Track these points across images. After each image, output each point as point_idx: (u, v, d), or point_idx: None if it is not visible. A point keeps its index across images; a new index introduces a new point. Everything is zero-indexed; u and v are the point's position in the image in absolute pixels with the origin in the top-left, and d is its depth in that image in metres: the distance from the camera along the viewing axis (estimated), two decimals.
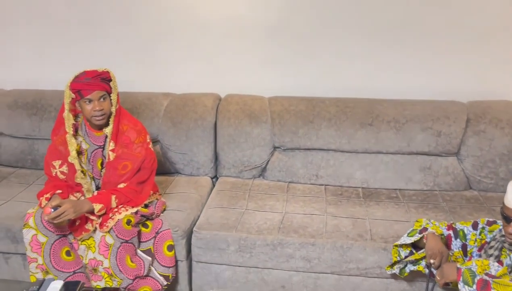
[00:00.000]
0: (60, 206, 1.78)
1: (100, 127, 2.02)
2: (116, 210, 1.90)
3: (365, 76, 2.64)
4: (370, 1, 2.49)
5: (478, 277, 1.49)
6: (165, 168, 2.61)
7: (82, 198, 2.00)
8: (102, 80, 1.92)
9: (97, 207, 1.86)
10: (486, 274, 1.51)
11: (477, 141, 2.36)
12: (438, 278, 1.64)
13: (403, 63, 2.58)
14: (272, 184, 2.52)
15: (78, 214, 1.83)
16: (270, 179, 2.56)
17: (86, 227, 1.88)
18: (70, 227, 1.91)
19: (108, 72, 1.96)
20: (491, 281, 1.46)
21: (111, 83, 1.96)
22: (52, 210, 1.77)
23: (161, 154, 2.60)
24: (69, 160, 1.98)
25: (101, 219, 1.88)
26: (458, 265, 1.57)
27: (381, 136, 2.41)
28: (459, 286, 1.52)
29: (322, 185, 2.49)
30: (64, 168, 2.02)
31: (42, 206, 1.89)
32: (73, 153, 1.97)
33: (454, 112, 2.39)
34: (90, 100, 1.90)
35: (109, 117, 1.99)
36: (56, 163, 2.03)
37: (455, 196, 2.36)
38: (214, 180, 2.64)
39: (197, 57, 2.74)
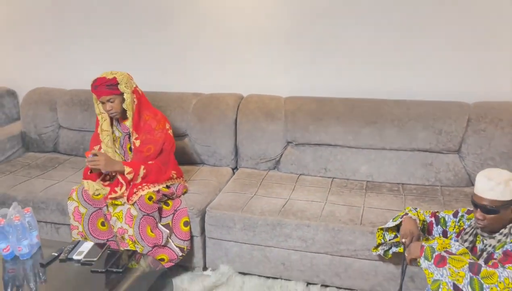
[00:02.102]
0: (97, 155, 2.24)
1: (124, 118, 2.41)
2: (140, 187, 2.27)
3: (377, 78, 2.82)
4: (377, 7, 2.69)
5: (436, 253, 1.66)
6: (192, 159, 2.97)
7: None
8: (108, 86, 2.28)
9: (127, 169, 2.26)
10: (446, 251, 1.68)
11: (477, 140, 2.47)
12: (406, 254, 1.82)
13: (415, 66, 2.73)
14: (284, 175, 2.77)
15: (108, 167, 2.26)
16: (283, 171, 2.82)
17: (116, 189, 2.27)
18: (104, 183, 2.36)
19: (115, 78, 2.29)
20: (447, 257, 1.63)
21: (119, 86, 2.29)
22: (91, 155, 2.24)
23: (189, 146, 2.95)
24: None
25: (128, 192, 2.25)
26: (423, 243, 1.75)
27: (385, 133, 2.59)
28: (420, 261, 1.70)
29: (330, 177, 2.71)
30: (102, 151, 2.43)
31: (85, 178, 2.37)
32: (105, 140, 2.41)
33: (456, 112, 2.52)
34: (102, 102, 2.32)
35: (125, 111, 2.36)
36: (96, 147, 2.44)
37: (455, 191, 2.48)
38: (235, 170, 2.95)
39: (225, 61, 3.07)
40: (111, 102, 2.32)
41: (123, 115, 2.39)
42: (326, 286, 2.31)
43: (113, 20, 3.21)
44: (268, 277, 2.40)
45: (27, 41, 3.46)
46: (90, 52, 3.34)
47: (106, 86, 2.28)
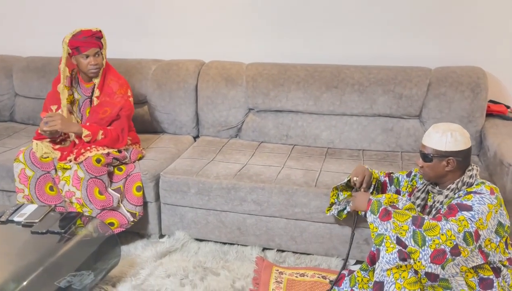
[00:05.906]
0: (52, 116, 2.15)
1: (91, 79, 2.32)
2: (88, 148, 2.18)
3: (340, 44, 2.76)
4: None
5: (382, 207, 1.62)
6: (152, 127, 2.88)
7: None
8: (96, 38, 2.25)
9: (85, 132, 2.19)
10: (392, 206, 1.64)
11: (438, 104, 2.43)
12: (351, 204, 1.78)
13: (378, 32, 2.68)
14: (246, 143, 2.71)
15: (65, 128, 2.17)
16: (245, 138, 2.75)
17: (68, 158, 2.19)
18: (54, 146, 2.28)
19: (100, 31, 2.27)
20: (392, 211, 1.60)
21: (102, 40, 2.28)
22: (46, 116, 2.15)
23: (149, 113, 2.87)
24: (62, 107, 2.29)
25: (75, 153, 2.17)
26: (371, 196, 1.70)
27: (345, 98, 2.54)
28: (367, 214, 1.66)
29: (291, 144, 2.66)
30: (59, 112, 2.32)
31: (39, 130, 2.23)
32: (64, 101, 2.29)
33: (417, 76, 2.48)
34: (87, 56, 2.22)
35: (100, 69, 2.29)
36: (53, 107, 2.34)
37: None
38: (196, 139, 2.87)
39: (187, 28, 2.98)
40: (98, 56, 2.26)
41: (94, 76, 2.31)
42: (282, 251, 2.27)
43: None
44: (225, 243, 2.35)
45: None
46: (46, 18, 3.20)
47: (96, 38, 2.24)
